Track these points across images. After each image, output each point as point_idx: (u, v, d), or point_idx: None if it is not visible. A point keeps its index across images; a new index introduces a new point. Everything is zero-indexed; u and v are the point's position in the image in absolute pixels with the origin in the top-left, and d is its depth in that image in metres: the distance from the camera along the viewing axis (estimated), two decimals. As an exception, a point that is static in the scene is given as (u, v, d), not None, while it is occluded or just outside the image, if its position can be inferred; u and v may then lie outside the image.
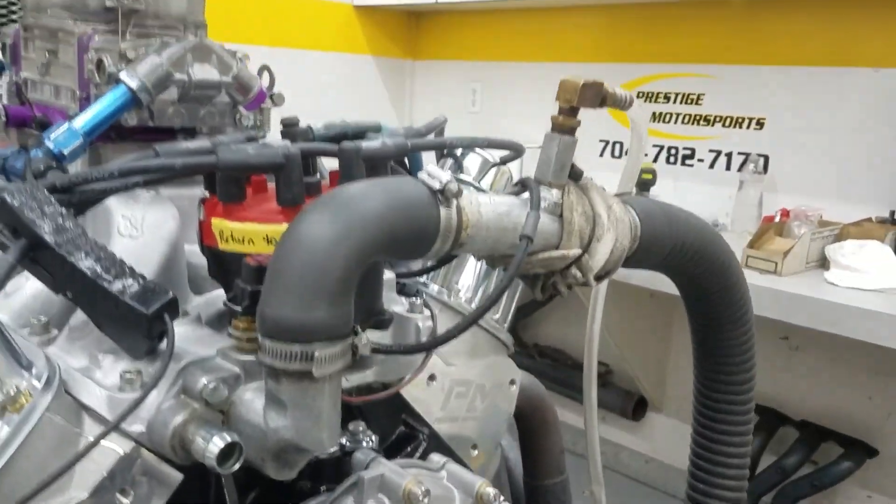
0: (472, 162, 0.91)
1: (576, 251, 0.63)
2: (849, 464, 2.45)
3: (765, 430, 2.57)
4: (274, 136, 0.67)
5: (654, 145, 3.04)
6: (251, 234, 0.59)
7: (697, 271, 0.77)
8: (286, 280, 0.49)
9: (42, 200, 0.54)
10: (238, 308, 0.54)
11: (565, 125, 0.62)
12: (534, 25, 3.38)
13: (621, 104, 0.64)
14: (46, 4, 0.75)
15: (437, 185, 0.54)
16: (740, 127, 2.79)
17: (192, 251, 0.67)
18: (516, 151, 0.77)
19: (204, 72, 0.70)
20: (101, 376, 0.56)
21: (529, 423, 0.94)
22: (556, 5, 2.88)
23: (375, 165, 0.61)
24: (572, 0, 2.82)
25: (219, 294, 0.71)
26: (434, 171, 0.55)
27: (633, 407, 3.06)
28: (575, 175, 0.64)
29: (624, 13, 3.06)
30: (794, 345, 2.65)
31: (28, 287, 0.67)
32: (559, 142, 0.62)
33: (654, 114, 3.02)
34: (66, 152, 0.63)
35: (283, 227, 0.58)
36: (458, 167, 0.87)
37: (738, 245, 2.52)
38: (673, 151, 2.99)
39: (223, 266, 0.62)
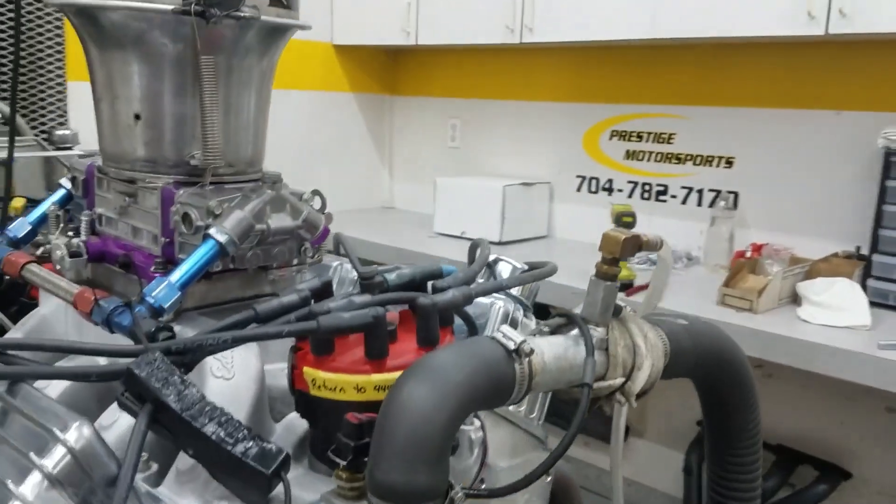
0: (503, 268, 0.99)
1: (620, 380, 0.72)
2: (824, 486, 2.58)
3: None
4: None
5: (629, 181, 3.16)
6: (342, 383, 0.67)
7: (712, 373, 0.87)
8: (393, 447, 0.57)
9: (164, 370, 0.62)
10: (343, 462, 0.62)
11: (609, 273, 0.70)
12: (509, 65, 3.49)
13: (654, 247, 0.73)
14: (128, 157, 0.81)
15: (511, 346, 0.63)
16: (711, 165, 2.93)
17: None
18: (550, 271, 0.86)
19: (280, 220, 0.77)
20: (217, 521, 0.64)
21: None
22: (532, 46, 2.99)
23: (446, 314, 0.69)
24: (544, 40, 2.92)
25: (292, 420, 0.79)
26: (508, 332, 0.63)
27: (616, 434, 3.17)
28: (616, 311, 0.73)
29: (596, 54, 3.18)
30: (768, 372, 2.79)
31: (123, 420, 0.74)
32: (604, 288, 0.71)
33: (627, 151, 3.15)
34: (166, 307, 0.70)
35: (372, 377, 0.67)
36: (493, 274, 0.95)
37: (712, 278, 2.65)
38: (647, 188, 3.11)
39: (312, 407, 0.70)
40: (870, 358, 1.99)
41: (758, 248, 2.66)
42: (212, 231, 0.73)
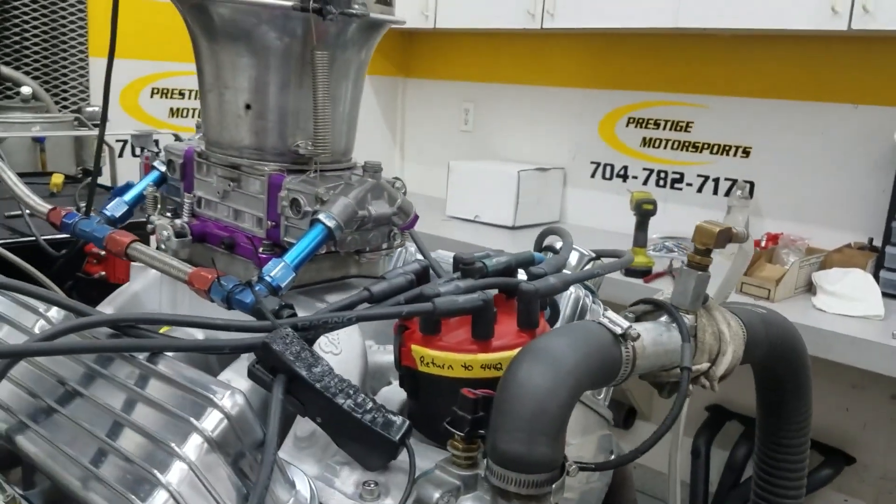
0: (572, 256, 1.04)
1: (706, 365, 0.77)
2: (829, 471, 2.65)
3: (750, 439, 2.76)
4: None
5: (645, 168, 3.21)
6: (451, 361, 0.72)
7: (778, 362, 0.92)
8: (515, 421, 0.62)
9: (296, 344, 0.66)
10: (461, 433, 0.66)
11: (702, 263, 0.75)
12: (526, 49, 3.51)
13: (741, 239, 0.78)
14: (236, 144, 0.85)
15: (618, 331, 0.67)
16: (727, 154, 2.98)
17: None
18: (628, 260, 0.90)
19: (379, 207, 0.81)
20: (340, 484, 0.68)
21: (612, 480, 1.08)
22: (550, 31, 3.01)
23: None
24: (565, 26, 2.94)
25: (387, 393, 0.83)
26: (614, 318, 0.68)
27: (624, 417, 3.24)
28: (704, 300, 0.78)
29: (616, 41, 3.21)
30: (776, 358, 2.86)
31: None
32: (696, 277, 0.75)
33: (644, 139, 3.19)
34: (283, 286, 0.75)
35: (478, 356, 0.72)
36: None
37: (721, 261, 2.71)
38: (663, 175, 3.16)
39: (417, 382, 0.74)
40: (884, 347, 2.05)
41: (773, 238, 2.71)
42: (321, 216, 0.77)
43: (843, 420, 2.75)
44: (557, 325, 0.94)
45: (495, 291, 0.75)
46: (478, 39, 3.65)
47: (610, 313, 0.69)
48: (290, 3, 0.76)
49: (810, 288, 2.43)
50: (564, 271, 1.04)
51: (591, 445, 0.95)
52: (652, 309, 0.79)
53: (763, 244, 2.73)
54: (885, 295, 2.33)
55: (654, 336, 0.73)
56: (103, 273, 1.46)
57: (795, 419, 1.00)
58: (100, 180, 2.33)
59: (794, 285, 2.41)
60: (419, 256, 1.12)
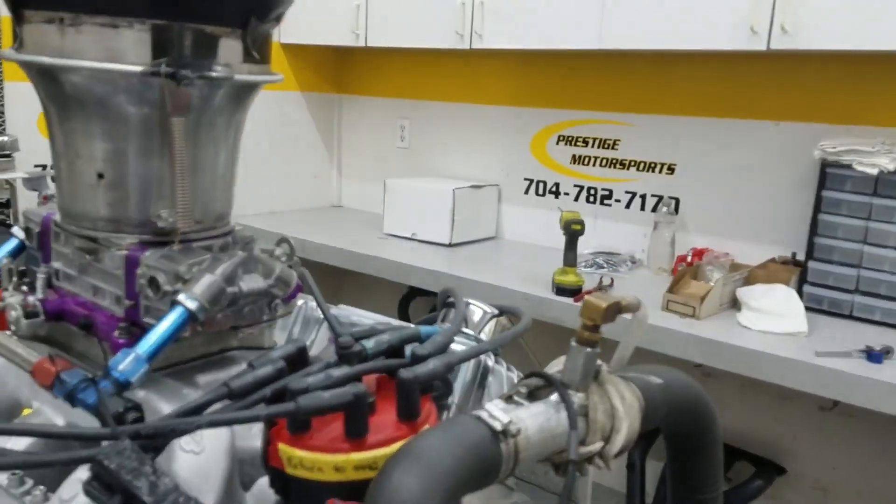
0: (473, 313, 0.99)
1: (599, 444, 0.72)
2: (760, 482, 2.68)
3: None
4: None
5: (575, 185, 3.20)
6: (321, 463, 0.65)
7: (681, 422, 0.88)
8: (384, 538, 0.56)
9: (135, 459, 0.59)
10: (328, 548, 0.61)
11: (590, 339, 0.71)
12: (458, 68, 3.48)
13: (633, 309, 0.74)
14: (90, 216, 0.77)
15: (498, 427, 0.63)
16: (653, 171, 2.99)
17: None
18: (527, 325, 0.86)
19: (252, 281, 0.75)
20: None
21: None
22: (481, 51, 2.98)
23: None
24: (493, 46, 2.92)
25: (263, 487, 0.77)
26: (493, 412, 0.63)
27: (558, 464, 3.22)
28: (595, 374, 0.73)
29: (544, 61, 3.20)
30: (707, 371, 2.87)
31: (84, 497, 0.71)
32: (584, 354, 0.71)
33: (573, 156, 3.19)
34: (133, 380, 0.68)
35: (351, 457, 0.66)
36: (466, 322, 0.95)
37: (656, 280, 2.72)
38: (592, 192, 3.16)
39: (287, 485, 0.68)
40: (808, 365, 2.07)
41: (699, 253, 2.73)
42: (181, 297, 0.70)
43: (773, 431, 2.78)
44: (455, 393, 0.89)
45: (363, 373, 0.69)
46: (411, 57, 3.61)
47: (489, 405, 0.64)
48: (140, 69, 0.69)
49: (735, 304, 2.45)
50: (464, 331, 1.00)
51: (493, 517, 0.90)
52: (544, 384, 0.74)
53: (689, 259, 2.74)
54: (808, 309, 2.36)
55: (540, 422, 0.68)
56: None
57: (706, 475, 0.96)
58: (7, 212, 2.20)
59: (718, 302, 2.43)
60: (318, 312, 1.06)
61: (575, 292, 2.54)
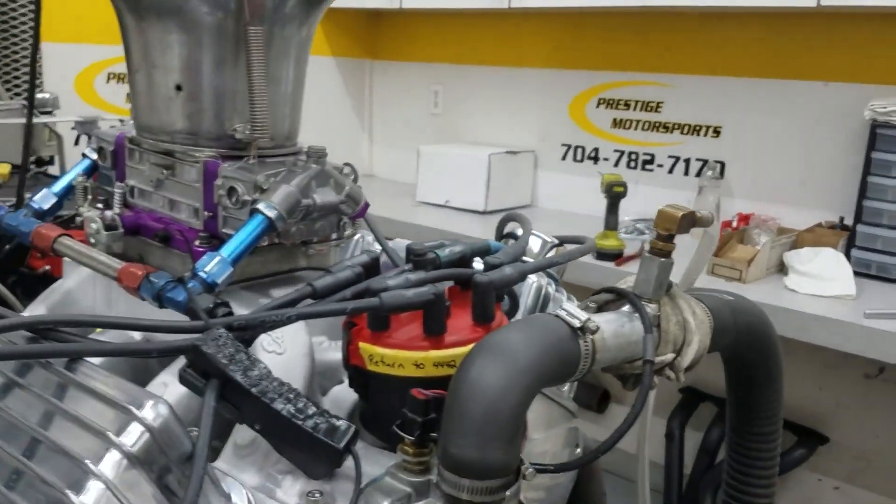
0: (533, 242, 0.99)
1: (671, 356, 0.73)
2: (802, 451, 2.66)
3: (724, 422, 2.76)
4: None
5: (615, 150, 3.17)
6: (401, 359, 0.67)
7: (747, 349, 0.88)
8: (468, 424, 0.57)
9: (230, 346, 0.61)
10: (411, 437, 0.62)
11: (664, 249, 0.71)
12: (495, 30, 3.45)
13: (707, 223, 0.74)
14: (167, 129, 0.79)
15: (576, 324, 0.63)
16: (698, 134, 2.95)
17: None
18: (591, 247, 0.86)
19: (324, 195, 0.76)
20: (283, 495, 0.64)
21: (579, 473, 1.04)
22: (518, 11, 2.96)
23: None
24: (533, 6, 2.89)
25: (338, 393, 0.79)
26: (572, 310, 0.64)
27: (598, 401, 3.23)
28: (667, 287, 0.73)
29: (585, 21, 3.16)
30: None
31: (169, 396, 0.73)
32: (659, 264, 0.71)
33: (614, 120, 3.15)
34: (218, 282, 0.69)
35: (430, 354, 0.67)
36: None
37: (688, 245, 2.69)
38: (633, 157, 3.13)
39: (367, 382, 0.70)
40: (856, 327, 2.04)
41: (744, 218, 2.69)
42: (260, 206, 0.72)
43: (816, 400, 2.75)
44: (518, 315, 0.90)
45: (449, 283, 0.70)
46: (446, 20, 3.59)
47: (568, 305, 0.64)
48: (218, -26, 0.70)
49: (782, 268, 2.42)
50: (524, 259, 1.00)
51: (556, 439, 0.91)
52: (614, 298, 0.75)
53: (734, 224, 2.71)
54: (856, 274, 2.32)
55: (615, 328, 0.68)
56: (48, 267, 1.39)
57: (766, 407, 0.97)
58: (51, 170, 2.25)
59: (765, 266, 2.40)
60: (377, 246, 1.07)
61: (616, 256, 2.53)
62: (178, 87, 0.76)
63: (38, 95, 2.34)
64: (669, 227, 0.71)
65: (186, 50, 0.75)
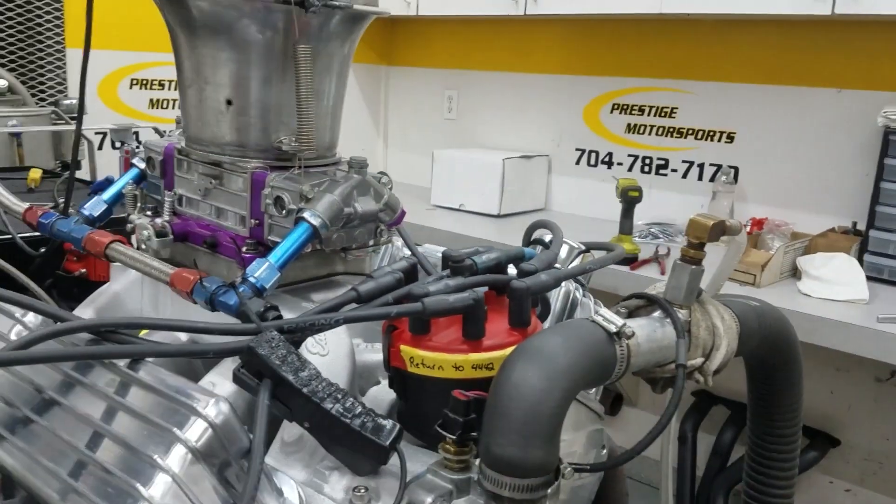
0: (561, 249, 1.02)
1: (700, 360, 0.76)
2: (814, 453, 2.68)
3: (736, 424, 2.79)
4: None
5: (630, 155, 3.20)
6: (441, 361, 0.70)
7: (770, 352, 0.91)
8: (509, 424, 0.60)
9: (282, 348, 0.64)
10: (452, 436, 0.65)
11: (695, 257, 0.74)
12: (510, 36, 3.49)
13: (735, 232, 0.77)
14: (217, 141, 0.83)
15: (613, 329, 0.66)
16: (712, 140, 2.97)
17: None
18: (619, 255, 0.89)
19: (365, 203, 0.79)
20: (330, 490, 0.67)
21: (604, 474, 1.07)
22: (532, 18, 2.99)
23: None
24: (548, 12, 2.92)
25: (376, 393, 0.82)
26: (608, 315, 0.67)
27: (611, 403, 3.24)
28: (697, 294, 0.76)
29: (600, 27, 3.19)
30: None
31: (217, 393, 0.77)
32: (690, 271, 0.74)
33: (628, 125, 3.18)
34: (267, 287, 0.73)
35: (470, 357, 0.70)
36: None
37: (714, 252, 2.71)
38: (648, 161, 3.15)
39: (407, 383, 0.73)
40: (869, 331, 2.06)
41: (758, 223, 2.72)
42: (306, 214, 0.75)
43: (828, 403, 2.77)
44: (548, 321, 0.93)
45: (486, 289, 0.74)
46: (460, 26, 3.62)
47: (603, 310, 0.67)
48: (272, -4, 0.73)
49: (795, 273, 2.44)
50: (556, 266, 1.03)
51: (583, 440, 0.94)
52: (645, 304, 0.78)
53: (748, 229, 2.73)
54: (869, 279, 2.34)
55: (647, 332, 0.71)
56: (84, 270, 1.43)
57: (787, 410, 0.99)
58: (79, 174, 2.29)
59: (779, 270, 2.42)
60: (406, 252, 1.10)
61: (631, 260, 2.55)
62: (229, 102, 0.80)
63: (66, 101, 2.39)
64: (700, 236, 0.74)
65: (237, 67, 0.78)
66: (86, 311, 0.91)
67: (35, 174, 1.95)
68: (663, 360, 0.73)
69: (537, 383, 0.61)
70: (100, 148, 2.55)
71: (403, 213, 0.86)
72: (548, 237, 1.02)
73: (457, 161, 3.33)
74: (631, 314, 0.78)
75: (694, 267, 0.74)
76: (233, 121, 0.80)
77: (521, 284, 0.71)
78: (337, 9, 0.76)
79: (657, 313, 0.75)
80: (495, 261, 0.77)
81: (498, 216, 3.18)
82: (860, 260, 2.42)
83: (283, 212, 0.77)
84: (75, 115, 2.43)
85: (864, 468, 2.77)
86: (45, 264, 1.40)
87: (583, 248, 1.02)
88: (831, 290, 2.29)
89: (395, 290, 0.72)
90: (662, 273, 2.22)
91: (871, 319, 2.10)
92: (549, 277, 0.73)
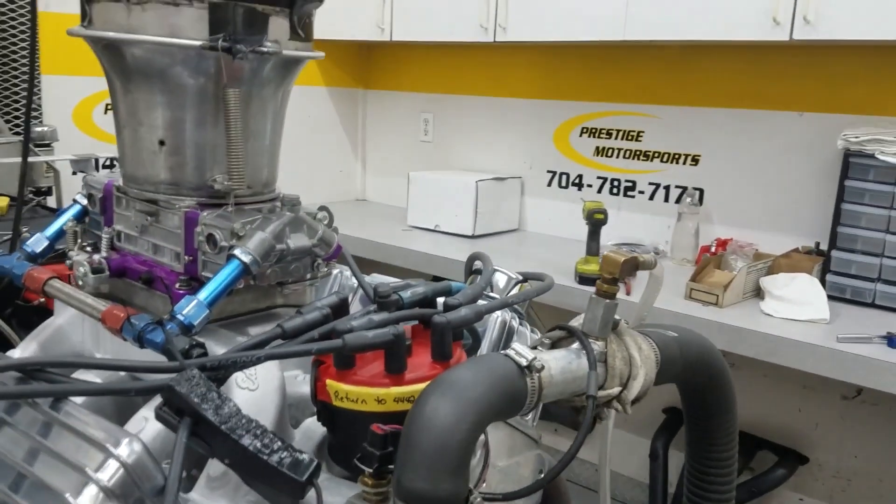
0: (499, 279, 1.05)
1: (617, 389, 0.78)
2: (783, 471, 2.70)
3: (707, 442, 2.81)
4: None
5: (599, 177, 3.25)
6: (364, 395, 0.72)
7: (696, 379, 0.94)
8: (419, 457, 0.63)
9: (202, 386, 0.66)
10: (369, 469, 0.67)
11: (609, 292, 0.77)
12: (483, 61, 3.54)
13: (649, 267, 0.80)
14: (151, 180, 0.85)
15: (524, 363, 0.69)
16: (677, 163, 3.03)
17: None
18: (549, 285, 0.92)
19: (298, 240, 0.82)
20: (251, 525, 0.69)
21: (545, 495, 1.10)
22: (505, 44, 3.04)
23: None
24: (518, 39, 2.97)
25: (309, 426, 0.84)
26: (520, 350, 0.69)
27: (573, 419, 3.26)
28: (614, 325, 0.79)
29: (568, 53, 3.25)
30: (730, 362, 2.90)
31: (149, 429, 0.78)
32: (604, 305, 0.77)
33: (597, 148, 3.23)
34: (195, 323, 0.75)
35: (391, 390, 0.72)
36: (490, 287, 1.01)
37: (679, 271, 2.75)
38: (616, 184, 3.20)
39: (333, 417, 0.75)
40: (829, 350, 2.10)
41: (722, 244, 2.76)
42: (236, 252, 0.77)
43: (796, 420, 2.80)
44: (483, 349, 0.96)
45: (412, 323, 0.76)
46: (436, 51, 3.67)
47: (517, 345, 0.70)
48: (199, 43, 0.76)
49: (758, 293, 2.48)
50: (490, 295, 1.06)
51: (520, 467, 0.96)
52: (566, 335, 0.80)
53: (713, 250, 2.78)
54: (831, 298, 2.38)
55: (563, 364, 0.74)
56: (43, 300, 1.44)
57: (722, 434, 1.02)
58: (48, 202, 2.30)
59: (742, 290, 2.46)
60: (354, 281, 1.12)
61: (595, 279, 2.58)
62: (162, 143, 0.82)
63: (37, 129, 2.40)
64: (613, 272, 0.77)
65: (169, 110, 0.81)
66: (30, 345, 0.93)
67: (3, 202, 1.96)
68: (579, 391, 0.75)
69: (446, 416, 0.63)
70: (74, 173, 2.56)
71: (339, 247, 0.89)
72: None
73: (432, 183, 3.37)
74: (554, 345, 0.81)
75: (608, 301, 0.77)
76: (166, 160, 0.83)
77: (441, 319, 0.73)
78: (266, 55, 0.79)
79: (576, 345, 0.78)
80: (422, 295, 0.79)
81: (472, 237, 3.21)
82: (822, 280, 2.46)
83: (216, 249, 0.79)
84: (46, 142, 2.45)
85: (833, 485, 2.80)
86: (4, 295, 1.41)
87: (519, 277, 1.05)
88: (793, 309, 2.33)
89: (321, 326, 0.74)
90: (628, 293, 2.24)
91: (831, 339, 2.14)
92: (469, 311, 0.75)
